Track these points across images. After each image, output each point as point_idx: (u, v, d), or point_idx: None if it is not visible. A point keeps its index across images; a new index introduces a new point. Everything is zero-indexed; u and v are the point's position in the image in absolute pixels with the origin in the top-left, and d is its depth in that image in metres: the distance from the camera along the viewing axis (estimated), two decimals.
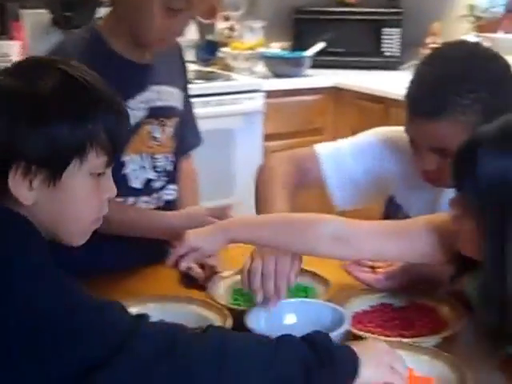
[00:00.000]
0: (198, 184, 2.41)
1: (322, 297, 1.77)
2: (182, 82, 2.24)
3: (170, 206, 2.20)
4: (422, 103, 1.76)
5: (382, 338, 1.61)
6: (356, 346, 1.37)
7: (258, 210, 1.94)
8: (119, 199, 2.03)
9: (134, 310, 1.69)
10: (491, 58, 1.80)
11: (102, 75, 1.84)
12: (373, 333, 1.64)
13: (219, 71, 4.47)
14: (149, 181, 2.13)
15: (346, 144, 2.08)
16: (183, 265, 1.65)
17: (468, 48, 1.85)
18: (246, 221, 1.68)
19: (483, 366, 1.54)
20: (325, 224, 1.60)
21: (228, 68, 4.52)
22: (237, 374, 1.25)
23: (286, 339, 1.33)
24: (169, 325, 1.34)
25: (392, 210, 2.05)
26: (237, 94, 4.16)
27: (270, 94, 4.26)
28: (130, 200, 2.09)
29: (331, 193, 2.07)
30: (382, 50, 4.67)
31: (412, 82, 1.82)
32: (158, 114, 2.10)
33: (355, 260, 1.81)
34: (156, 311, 1.69)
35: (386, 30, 4.64)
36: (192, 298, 1.76)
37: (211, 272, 1.92)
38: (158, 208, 2.15)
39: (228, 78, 4.30)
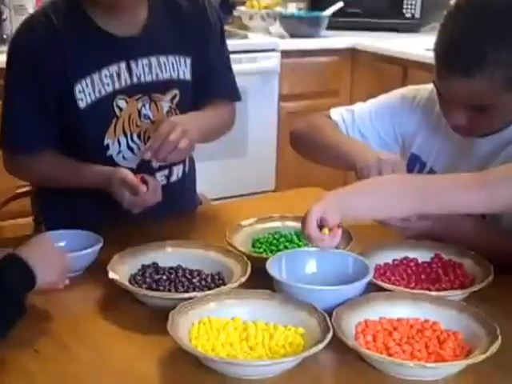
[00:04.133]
0: (223, 118, 2.20)
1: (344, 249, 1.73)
2: (194, 45, 2.08)
3: (175, 186, 2.12)
4: (456, 58, 1.63)
5: (407, 290, 1.57)
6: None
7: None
8: None
9: (152, 254, 1.69)
10: None
11: (80, 46, 1.90)
12: (397, 285, 1.60)
13: (235, 30, 4.41)
14: (145, 161, 2.00)
15: (364, 107, 2.04)
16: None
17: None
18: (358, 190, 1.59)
19: (508, 322, 1.49)
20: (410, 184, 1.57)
21: (244, 27, 4.47)
22: None
23: None
24: None
25: (416, 168, 1.99)
26: (253, 53, 4.11)
27: (286, 54, 4.21)
28: None
29: None
30: (403, 11, 4.58)
31: (443, 33, 1.70)
32: (146, 89, 2.00)
33: None
34: (174, 256, 1.69)
35: None
36: (210, 245, 1.73)
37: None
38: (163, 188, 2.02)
39: (244, 37, 4.24)
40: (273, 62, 4.16)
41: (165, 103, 2.04)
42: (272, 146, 4.27)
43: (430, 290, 1.60)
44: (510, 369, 1.38)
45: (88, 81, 1.92)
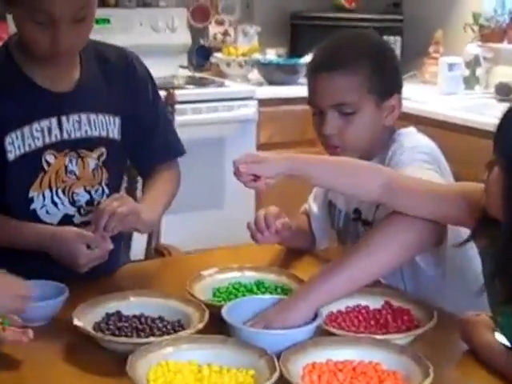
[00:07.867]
0: (171, 185, 2.38)
1: None
2: (123, 105, 2.26)
3: None
4: (321, 63, 2.19)
5: (353, 334, 1.79)
6: None
7: None
8: None
9: (116, 303, 1.90)
10: (377, 36, 2.34)
11: (12, 100, 2.09)
12: (347, 331, 1.83)
13: (212, 77, 4.64)
14: (67, 216, 2.19)
15: None
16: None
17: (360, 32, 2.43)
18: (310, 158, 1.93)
19: (446, 362, 1.76)
20: (379, 173, 1.91)
21: (221, 74, 4.68)
22: None
23: None
24: None
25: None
26: (230, 101, 4.31)
27: (264, 102, 4.41)
28: None
29: None
30: None
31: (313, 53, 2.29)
32: (75, 145, 2.19)
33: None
34: (137, 305, 1.91)
35: (386, 38, 4.71)
36: (171, 294, 1.95)
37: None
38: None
39: (221, 85, 4.47)
40: (250, 110, 4.35)
41: (92, 160, 2.22)
42: (250, 198, 4.35)
43: (376, 334, 1.82)
44: None
45: (18, 133, 2.11)
